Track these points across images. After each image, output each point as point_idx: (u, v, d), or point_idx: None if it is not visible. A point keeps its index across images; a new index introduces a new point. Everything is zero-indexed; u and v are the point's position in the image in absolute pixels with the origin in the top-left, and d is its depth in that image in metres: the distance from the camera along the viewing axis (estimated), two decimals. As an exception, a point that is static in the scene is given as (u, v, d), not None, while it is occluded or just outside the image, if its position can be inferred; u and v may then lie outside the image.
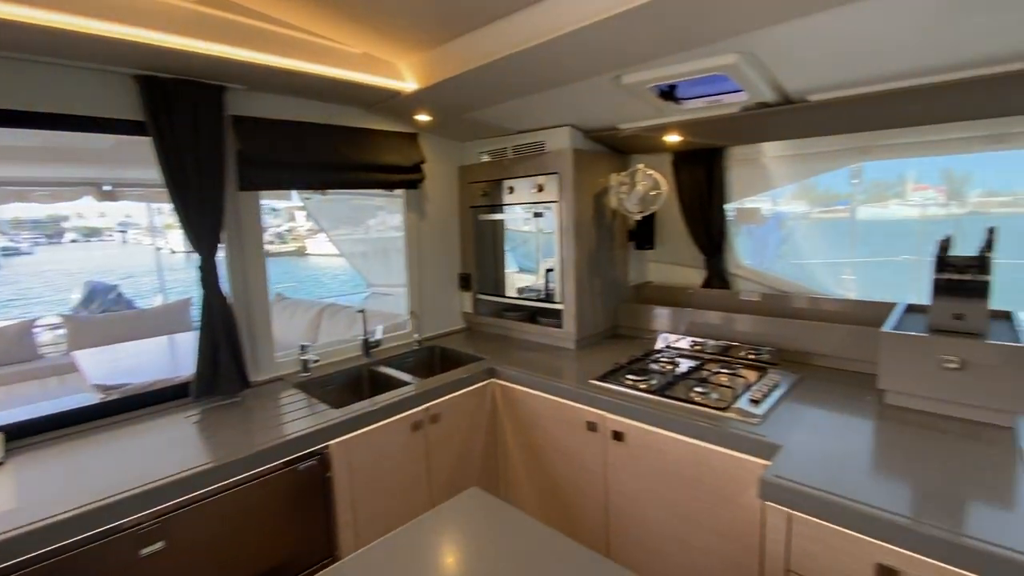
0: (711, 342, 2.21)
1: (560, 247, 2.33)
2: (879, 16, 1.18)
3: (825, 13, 1.19)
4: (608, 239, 2.50)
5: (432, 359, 2.54)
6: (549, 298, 2.44)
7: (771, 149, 2.18)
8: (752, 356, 2.05)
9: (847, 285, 2.65)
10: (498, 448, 2.20)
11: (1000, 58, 1.27)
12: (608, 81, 1.71)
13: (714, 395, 1.68)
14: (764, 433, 1.42)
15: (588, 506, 1.88)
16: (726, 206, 2.37)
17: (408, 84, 2.02)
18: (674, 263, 2.67)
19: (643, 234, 2.58)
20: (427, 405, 1.92)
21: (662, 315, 2.44)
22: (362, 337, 2.33)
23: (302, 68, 1.72)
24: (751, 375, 1.87)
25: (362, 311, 2.34)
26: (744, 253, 2.53)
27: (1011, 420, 1.39)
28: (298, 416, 1.71)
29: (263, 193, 2.07)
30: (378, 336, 2.35)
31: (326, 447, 1.62)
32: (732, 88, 1.64)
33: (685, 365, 2.00)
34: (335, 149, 2.18)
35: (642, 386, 1.80)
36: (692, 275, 2.58)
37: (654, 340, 2.36)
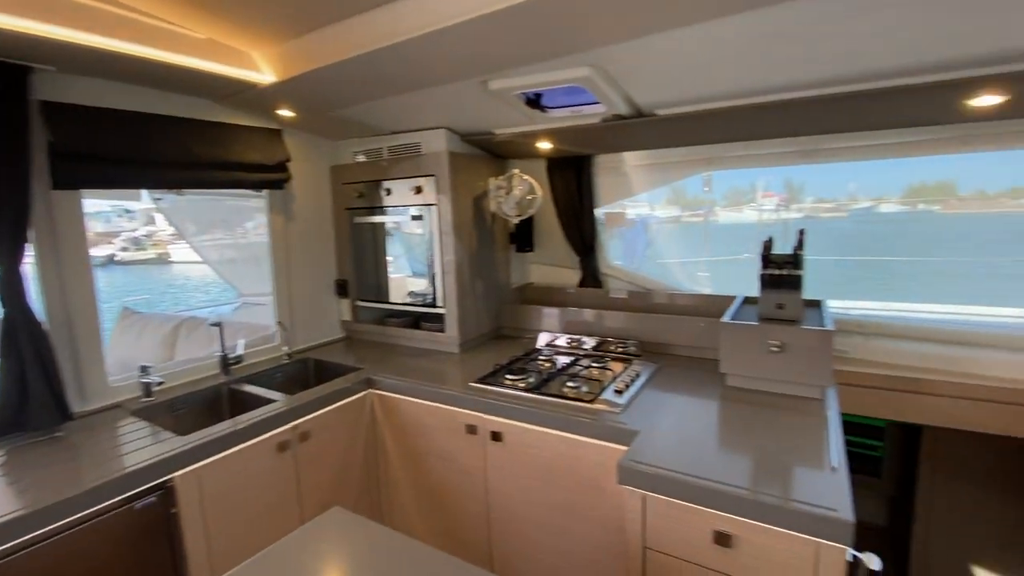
0: (586, 339, 2.33)
1: (440, 250, 2.31)
2: (703, 42, 1.32)
3: (659, 36, 1.30)
4: (489, 241, 2.53)
5: (305, 373, 2.37)
6: (435, 302, 2.41)
7: (631, 158, 2.36)
8: (620, 349, 2.19)
9: (702, 281, 2.97)
10: (379, 460, 2.12)
11: (804, 84, 1.49)
12: (476, 85, 1.73)
13: (584, 388, 1.77)
14: (625, 421, 1.53)
15: (470, 509, 1.88)
16: (596, 210, 2.52)
17: (265, 76, 1.87)
18: (553, 264, 2.78)
19: (523, 237, 2.65)
20: (296, 423, 1.78)
21: (543, 315, 2.53)
22: (219, 354, 2.10)
23: (127, 50, 1.51)
24: (618, 367, 2.01)
25: (218, 324, 2.11)
26: (615, 254, 2.71)
27: (821, 392, 1.64)
28: (134, 447, 1.49)
29: (95, 192, 1.78)
30: (239, 351, 2.14)
31: (169, 480, 1.44)
32: (591, 100, 1.74)
33: (562, 362, 2.09)
34: (184, 145, 1.95)
35: (521, 385, 1.84)
36: (570, 275, 2.70)
37: (536, 340, 2.43)
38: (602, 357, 2.14)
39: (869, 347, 2.05)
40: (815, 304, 1.99)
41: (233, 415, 1.82)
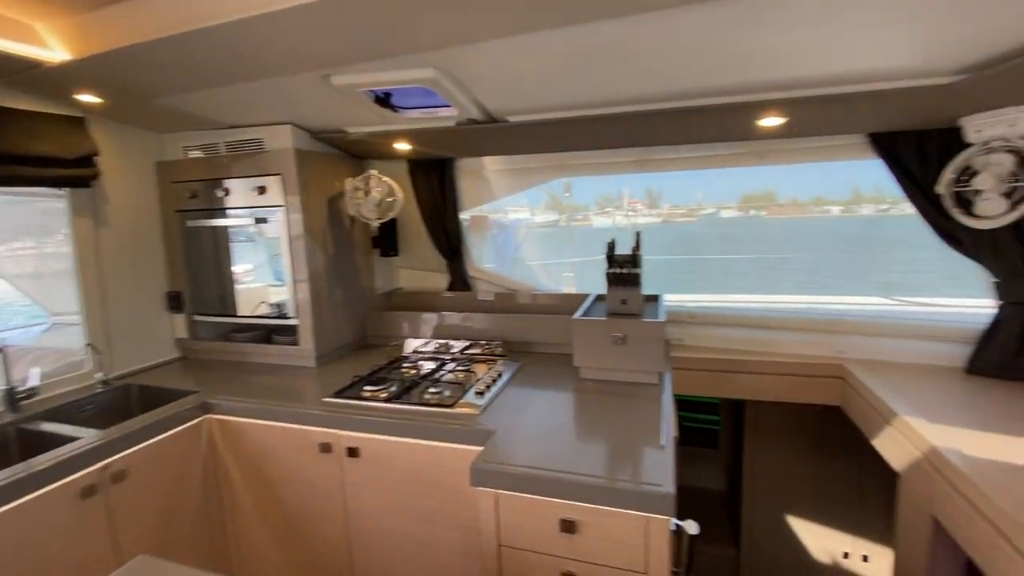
0: (454, 343, 2.32)
1: (291, 255, 2.13)
2: (538, 53, 1.38)
3: (498, 42, 1.34)
4: (348, 246, 2.41)
5: (125, 401, 2.04)
6: (287, 313, 2.22)
7: (490, 163, 2.41)
8: (486, 351, 2.22)
9: (568, 282, 3.14)
10: (222, 493, 1.89)
11: (629, 99, 1.63)
12: (318, 80, 1.62)
13: (447, 393, 1.75)
14: (483, 422, 1.54)
15: (329, 533, 1.76)
16: (461, 214, 2.53)
17: (55, 53, 1.57)
18: (422, 268, 2.73)
19: (387, 240, 2.56)
20: (106, 461, 1.51)
21: (411, 321, 2.47)
22: (3, 387, 1.72)
23: None
24: (483, 369, 2.02)
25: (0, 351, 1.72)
26: (487, 257, 2.76)
27: (658, 377, 1.80)
28: None
29: None
30: (32, 383, 1.77)
31: (-91, 555, 1.12)
32: (443, 103, 1.74)
33: (427, 368, 2.05)
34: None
35: (382, 396, 1.77)
36: (439, 279, 2.68)
37: (403, 347, 2.36)
38: (468, 360, 2.15)
39: (700, 335, 2.32)
40: (655, 299, 2.20)
41: (23, 460, 1.49)
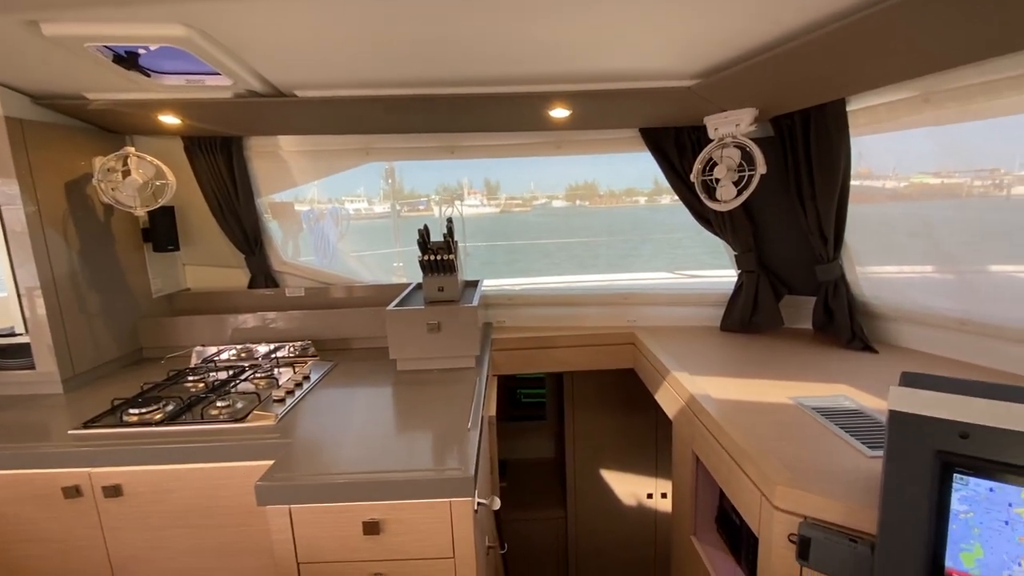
0: (258, 347, 2.06)
1: (9, 257, 1.65)
2: (322, 18, 1.26)
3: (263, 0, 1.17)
4: (106, 241, 1.96)
5: None
6: (15, 330, 1.72)
7: (287, 143, 2.17)
8: (294, 353, 2.02)
9: (399, 273, 3.03)
10: (-87, 578, 1.40)
11: (421, 82, 1.59)
12: (22, 27, 1.25)
13: (239, 404, 1.54)
14: (279, 433, 1.38)
15: (89, 594, 1.43)
16: (259, 200, 2.25)
17: None
18: (214, 265, 2.37)
19: (162, 233, 2.16)
20: None
21: (201, 326, 2.13)
22: None
23: None
24: (287, 373, 1.83)
25: None
26: (304, 250, 2.50)
27: (474, 360, 1.83)
28: None
29: None
30: None
31: None
32: (210, 69, 1.49)
33: (219, 379, 1.78)
34: None
35: (154, 417, 1.48)
36: (238, 276, 2.35)
37: (191, 357, 2.02)
38: (273, 365, 1.92)
39: (520, 315, 2.44)
40: (475, 284, 2.24)
41: None
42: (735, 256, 2.11)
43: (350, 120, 1.95)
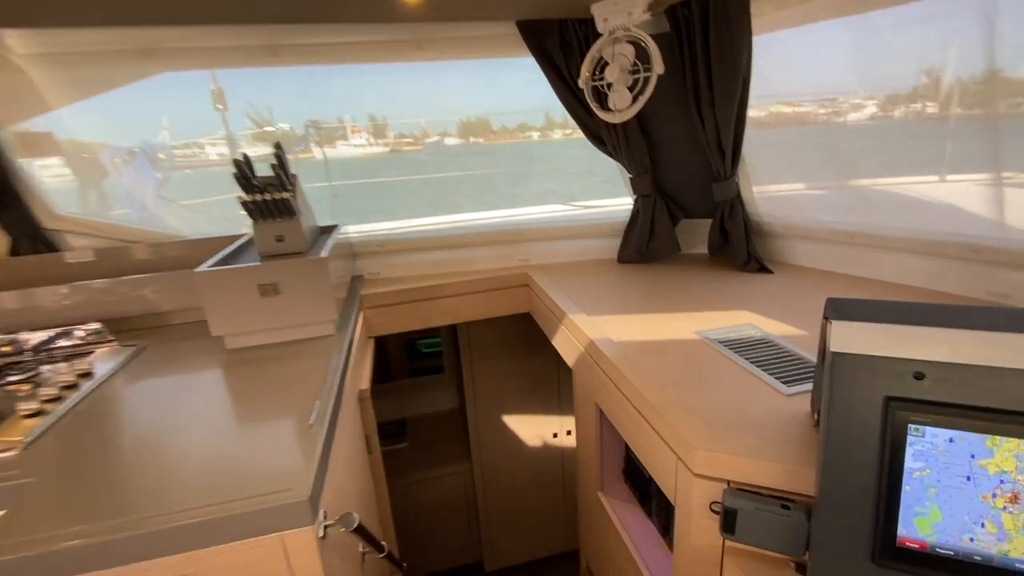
0: (27, 336, 1.49)
1: None
2: None
3: None
4: None
5: None
6: None
7: (20, 42, 1.49)
8: (80, 340, 1.49)
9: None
10: None
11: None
12: None
13: (-36, 431, 1.04)
14: (20, 469, 0.93)
15: None
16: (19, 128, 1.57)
17: None
18: (-56, 228, 1.67)
19: None
20: None
21: (-71, 315, 1.49)
22: None
23: None
24: (65, 370, 1.32)
25: None
26: (112, 199, 1.87)
27: (333, 326, 1.46)
28: None
29: None
30: None
31: None
32: None
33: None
34: None
35: None
36: (-9, 241, 1.69)
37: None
38: (42, 360, 1.39)
39: (398, 263, 2.07)
40: (331, 230, 1.81)
41: None
42: (630, 179, 1.90)
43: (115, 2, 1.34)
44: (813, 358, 1.14)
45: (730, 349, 1.22)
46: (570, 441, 2.86)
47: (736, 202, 1.77)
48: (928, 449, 0.65)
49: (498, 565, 3.01)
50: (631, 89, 1.45)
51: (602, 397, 1.31)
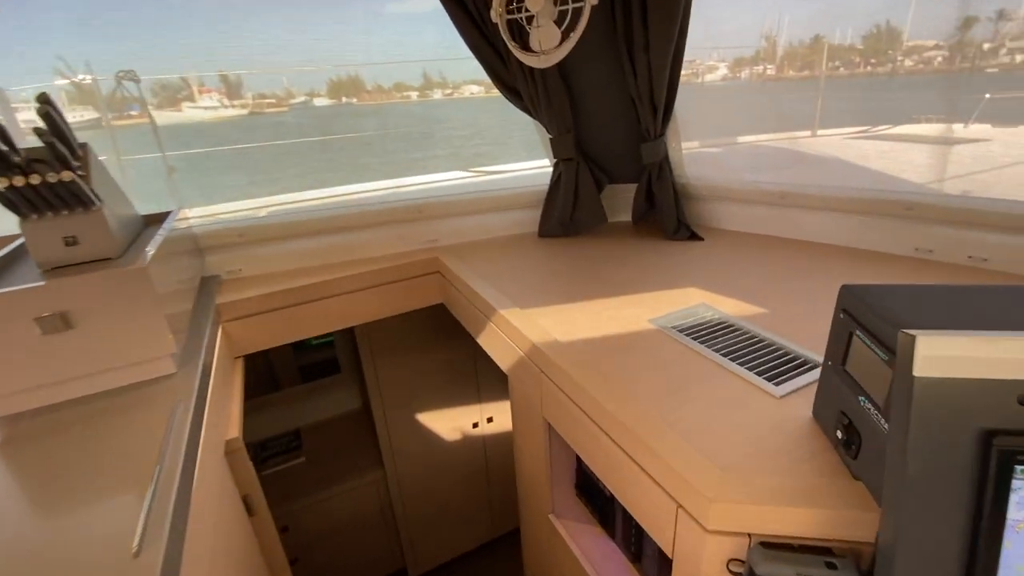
0: None
1: None
2: None
3: None
4: None
5: None
6: None
7: None
8: None
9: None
10: None
11: None
12: None
13: None
14: None
15: None
16: None
17: None
18: None
19: None
20: None
21: None
22: None
23: None
24: None
25: None
26: None
27: (170, 363, 1.03)
28: None
29: None
30: None
31: None
32: None
33: None
34: None
35: None
36: None
37: None
38: None
39: (266, 256, 1.62)
40: (161, 219, 1.31)
41: None
42: (551, 140, 1.63)
43: None
44: (780, 340, 1.00)
45: (694, 339, 1.04)
46: (492, 428, 2.66)
47: (665, 164, 1.59)
48: (1041, 496, 0.49)
49: (424, 569, 2.77)
50: (559, 24, 1.16)
51: (554, 413, 1.07)
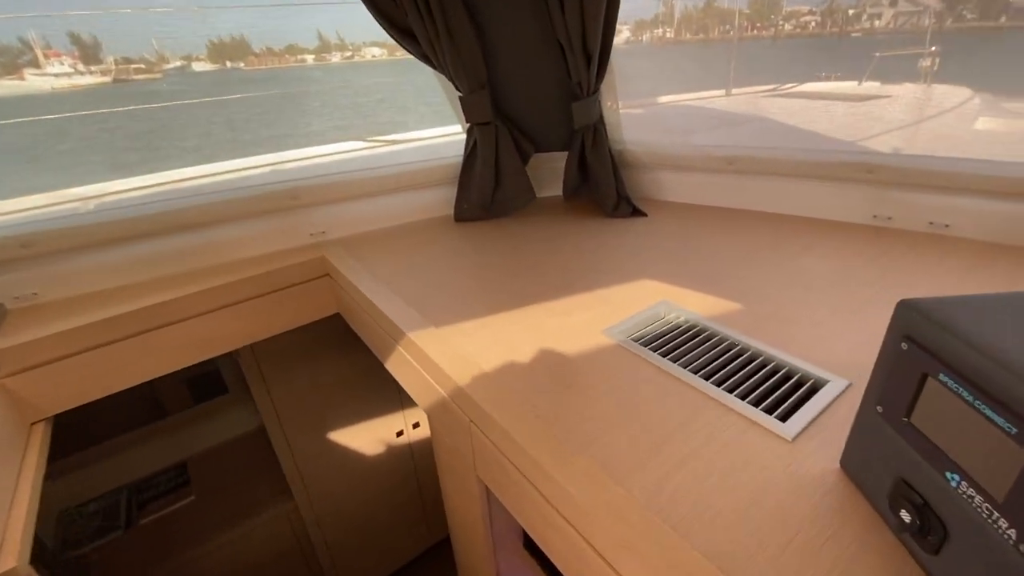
0: None
1: None
2: None
3: None
4: None
5: None
6: None
7: None
8: None
9: None
10: None
11: None
12: None
13: None
14: None
15: None
16: None
17: None
18: None
19: None
20: None
21: None
22: None
23: None
24: None
25: None
26: None
27: None
28: None
29: None
30: None
31: None
32: None
33: None
34: None
35: None
36: None
37: None
38: None
39: (76, 272, 1.16)
40: None
41: None
42: (461, 100, 1.30)
43: None
44: (767, 349, 0.79)
45: (664, 356, 0.80)
46: (420, 433, 2.36)
47: (600, 127, 1.33)
48: None
49: (353, 594, 2.48)
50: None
51: (491, 476, 0.80)
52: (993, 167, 1.05)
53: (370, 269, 1.18)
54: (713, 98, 3.52)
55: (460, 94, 1.28)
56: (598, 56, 1.16)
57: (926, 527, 0.46)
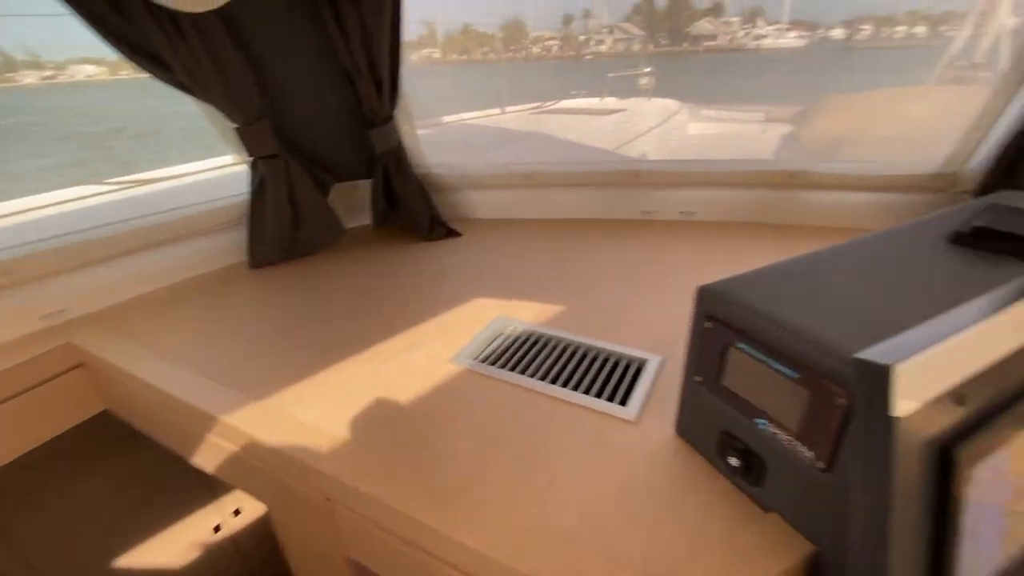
0: None
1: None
2: None
3: None
4: None
5: None
6: None
7: None
8: None
9: None
10: None
11: None
12: None
13: None
14: None
15: None
16: None
17: None
18: None
19: None
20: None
21: None
22: None
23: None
24: None
25: None
26: None
27: None
28: None
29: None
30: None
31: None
32: None
33: None
34: None
35: None
36: None
37: None
38: None
39: None
40: None
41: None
42: (238, 131, 1.13)
43: None
44: (596, 343, 0.88)
45: (513, 371, 0.83)
46: (245, 519, 2.00)
47: (402, 153, 1.30)
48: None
49: None
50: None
51: (364, 549, 0.70)
52: (715, 165, 1.36)
53: (148, 346, 0.94)
54: (492, 116, 3.80)
55: (235, 125, 1.11)
56: (388, 83, 1.13)
57: (749, 466, 0.56)
